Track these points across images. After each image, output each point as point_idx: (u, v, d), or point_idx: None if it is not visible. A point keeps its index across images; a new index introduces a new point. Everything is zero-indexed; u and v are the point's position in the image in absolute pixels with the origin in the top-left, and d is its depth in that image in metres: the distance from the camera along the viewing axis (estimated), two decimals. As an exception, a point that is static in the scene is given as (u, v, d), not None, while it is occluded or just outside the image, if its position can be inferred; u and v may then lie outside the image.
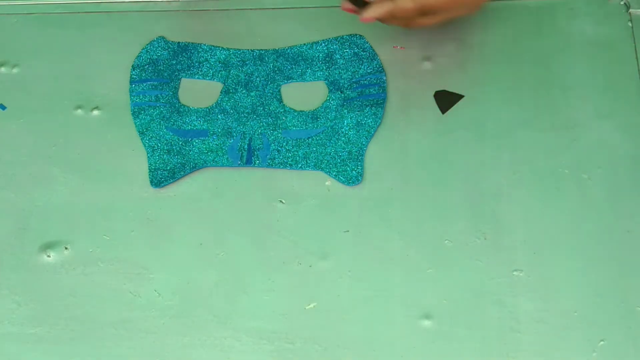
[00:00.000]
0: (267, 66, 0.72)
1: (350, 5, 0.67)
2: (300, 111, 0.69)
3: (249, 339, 0.60)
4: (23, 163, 0.69)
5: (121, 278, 0.63)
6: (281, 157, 0.67)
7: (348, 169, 0.66)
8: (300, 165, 0.67)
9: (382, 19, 0.66)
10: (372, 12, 0.66)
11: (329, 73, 0.71)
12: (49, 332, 0.61)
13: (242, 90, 0.70)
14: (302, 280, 0.62)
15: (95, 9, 0.76)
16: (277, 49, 0.73)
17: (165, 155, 0.68)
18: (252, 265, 0.63)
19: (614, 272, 0.61)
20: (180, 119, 0.69)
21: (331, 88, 0.70)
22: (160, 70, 0.72)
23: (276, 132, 0.68)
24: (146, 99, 0.71)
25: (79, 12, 0.76)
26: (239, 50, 0.73)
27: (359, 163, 0.67)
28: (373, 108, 0.69)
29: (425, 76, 0.70)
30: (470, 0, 0.67)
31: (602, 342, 0.59)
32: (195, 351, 0.60)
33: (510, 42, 0.71)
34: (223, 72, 0.72)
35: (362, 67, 0.71)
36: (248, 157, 0.67)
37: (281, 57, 0.72)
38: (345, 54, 0.72)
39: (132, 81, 0.72)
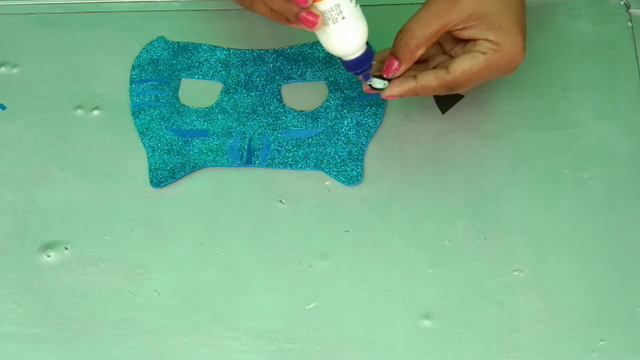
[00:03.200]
0: (267, 66, 0.72)
1: (370, 89, 0.63)
2: (300, 111, 0.69)
3: (249, 339, 0.60)
4: (23, 163, 0.69)
5: (121, 278, 0.63)
6: (281, 157, 0.67)
7: (348, 169, 0.66)
8: (300, 165, 0.67)
9: (404, 96, 0.63)
10: (392, 91, 0.62)
11: (329, 73, 0.71)
12: (49, 332, 0.61)
13: (242, 90, 0.70)
14: (302, 280, 0.62)
15: (95, 9, 0.76)
16: (277, 49, 0.73)
17: (165, 155, 0.68)
18: (252, 265, 0.63)
19: (614, 272, 0.61)
20: (180, 119, 0.69)
21: (331, 88, 0.70)
22: (160, 70, 0.72)
23: (276, 132, 0.68)
24: (146, 99, 0.71)
25: (79, 12, 0.76)
26: (239, 50, 0.73)
27: (359, 163, 0.67)
28: (373, 108, 0.69)
29: (425, 76, 0.70)
30: (503, 65, 0.62)
31: (602, 342, 0.59)
32: (195, 351, 0.60)
33: (510, 42, 0.71)
34: (223, 72, 0.72)
35: (362, 67, 0.71)
36: (248, 157, 0.67)
37: (281, 57, 0.72)
38: (345, 54, 0.72)
39: (132, 81, 0.72)
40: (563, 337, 0.59)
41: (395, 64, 0.61)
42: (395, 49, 0.61)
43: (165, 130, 0.69)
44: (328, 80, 0.70)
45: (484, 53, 0.60)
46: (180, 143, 0.68)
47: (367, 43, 0.60)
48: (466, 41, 0.62)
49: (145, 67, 0.72)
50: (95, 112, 0.71)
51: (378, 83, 0.62)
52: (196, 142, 0.68)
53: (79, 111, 0.71)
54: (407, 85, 0.61)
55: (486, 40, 0.60)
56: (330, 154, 0.67)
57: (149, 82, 0.72)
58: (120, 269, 0.64)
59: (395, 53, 0.61)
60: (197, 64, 0.72)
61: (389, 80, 0.62)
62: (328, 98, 0.70)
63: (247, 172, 0.67)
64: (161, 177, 0.67)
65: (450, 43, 0.64)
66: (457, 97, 0.69)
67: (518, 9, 0.62)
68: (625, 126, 0.67)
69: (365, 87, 0.63)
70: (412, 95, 0.62)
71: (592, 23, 0.72)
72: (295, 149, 0.67)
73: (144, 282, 0.63)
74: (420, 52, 0.61)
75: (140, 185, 0.67)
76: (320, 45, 0.72)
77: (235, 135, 0.68)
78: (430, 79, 0.61)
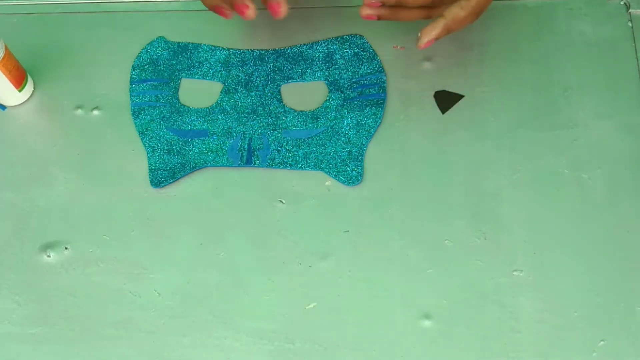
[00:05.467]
0: (267, 66, 0.72)
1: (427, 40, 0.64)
2: (300, 111, 0.69)
3: (249, 339, 0.60)
4: (23, 163, 0.69)
5: (121, 278, 0.63)
6: (281, 157, 0.67)
7: (348, 169, 0.66)
8: (300, 165, 0.67)
9: (439, 37, 0.64)
10: (427, 36, 0.64)
11: (329, 73, 0.71)
12: (49, 332, 0.61)
13: (242, 90, 0.70)
14: (302, 280, 0.62)
15: (95, 9, 0.76)
16: (277, 49, 0.73)
17: (165, 155, 0.68)
18: (252, 265, 0.63)
19: (614, 272, 0.61)
20: (180, 119, 0.69)
21: (331, 88, 0.70)
22: (160, 70, 0.72)
23: (276, 132, 0.68)
24: (146, 99, 0.71)
25: (79, 12, 0.76)
26: (239, 50, 0.73)
27: (359, 163, 0.67)
28: (373, 108, 0.69)
29: (425, 76, 0.70)
30: None
31: (602, 342, 0.59)
32: (195, 351, 0.60)
33: (510, 42, 0.71)
34: (223, 72, 0.72)
35: (362, 67, 0.71)
36: (248, 157, 0.67)
37: (281, 57, 0.72)
38: (345, 54, 0.72)
39: (132, 81, 0.72)
40: (563, 337, 0.59)
41: None
42: None
43: (165, 130, 0.69)
44: (328, 80, 0.70)
45: None
46: (180, 143, 0.68)
47: None
48: None
49: (145, 67, 0.72)
50: (95, 112, 0.71)
51: None
52: (196, 142, 0.68)
53: (79, 111, 0.71)
54: (439, 25, 0.63)
55: None
56: (330, 154, 0.67)
57: (149, 82, 0.72)
58: (120, 269, 0.64)
59: None
60: (197, 64, 0.72)
61: None
62: (328, 98, 0.70)
63: (247, 172, 0.67)
64: (161, 177, 0.67)
65: None
66: (457, 97, 0.69)
67: None
68: (625, 126, 0.67)
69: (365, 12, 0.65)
70: (447, 33, 0.64)
71: (592, 23, 0.72)
72: (295, 149, 0.67)
73: (144, 282, 0.63)
74: None
75: (140, 185, 0.67)
76: (320, 45, 0.72)
77: (235, 135, 0.68)
78: (457, 11, 0.63)
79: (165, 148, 0.68)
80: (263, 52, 0.72)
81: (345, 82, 0.70)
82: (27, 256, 0.65)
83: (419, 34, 0.64)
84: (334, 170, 0.66)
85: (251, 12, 0.64)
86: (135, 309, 0.62)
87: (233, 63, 0.72)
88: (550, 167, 0.66)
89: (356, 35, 0.73)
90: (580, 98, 0.68)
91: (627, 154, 0.66)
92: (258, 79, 0.71)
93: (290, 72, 0.71)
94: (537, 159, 0.66)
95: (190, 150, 0.68)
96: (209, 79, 0.71)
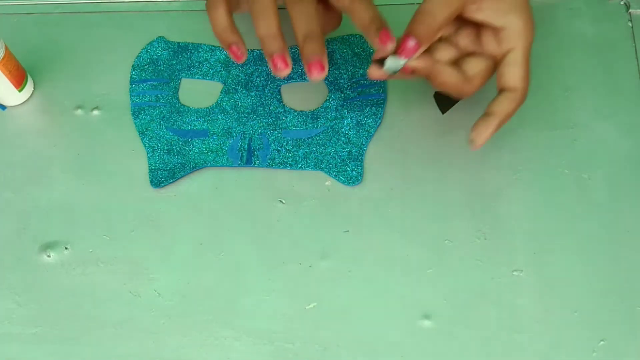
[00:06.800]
0: (267, 66, 0.71)
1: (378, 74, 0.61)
2: (300, 111, 0.69)
3: (249, 339, 0.60)
4: (23, 163, 0.69)
5: (121, 278, 0.63)
6: (281, 157, 0.67)
7: (348, 169, 0.66)
8: (300, 165, 0.67)
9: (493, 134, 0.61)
10: (481, 137, 0.61)
11: (329, 73, 0.71)
12: (49, 332, 0.61)
13: (242, 90, 0.70)
14: (302, 280, 0.62)
15: (95, 9, 0.76)
16: (277, 49, 0.72)
17: (165, 155, 0.68)
18: (252, 265, 0.63)
19: (614, 272, 0.61)
20: (180, 119, 0.69)
21: (331, 88, 0.70)
22: (160, 70, 0.72)
23: (276, 132, 0.68)
24: (146, 99, 0.71)
25: (79, 12, 0.76)
26: (239, 50, 0.73)
27: (359, 163, 0.67)
28: (373, 108, 0.69)
29: (425, 76, 0.70)
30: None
31: (602, 342, 0.59)
32: (195, 351, 0.60)
33: (510, 42, 0.71)
34: (223, 72, 0.72)
35: (362, 67, 0.71)
36: (248, 157, 0.67)
37: (281, 57, 0.72)
38: (345, 53, 0.72)
39: (132, 81, 0.72)
40: (563, 337, 0.59)
41: (413, 44, 0.58)
42: (413, 29, 0.58)
43: (165, 130, 0.69)
44: (328, 80, 0.70)
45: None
46: (180, 143, 0.68)
47: None
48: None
49: (145, 67, 0.72)
50: (95, 112, 0.71)
51: (391, 63, 0.59)
52: (196, 142, 0.68)
53: (79, 111, 0.71)
54: (492, 123, 0.61)
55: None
56: (330, 154, 0.67)
57: (149, 82, 0.72)
58: (120, 269, 0.64)
59: (413, 33, 0.58)
60: (197, 64, 0.72)
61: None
62: (328, 98, 0.70)
63: (247, 172, 0.67)
64: (161, 177, 0.67)
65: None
66: (457, 97, 0.69)
67: None
68: (625, 126, 0.67)
69: (378, 74, 0.60)
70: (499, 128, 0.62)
71: (592, 23, 0.72)
72: (295, 149, 0.67)
73: (144, 282, 0.63)
74: (440, 34, 0.60)
75: (140, 185, 0.67)
76: (320, 45, 0.72)
77: (235, 135, 0.68)
78: (506, 106, 0.61)
79: (165, 148, 0.68)
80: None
81: (345, 82, 0.70)
82: (27, 256, 0.65)
83: (470, 136, 0.61)
84: (334, 170, 0.66)
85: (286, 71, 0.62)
86: (135, 309, 0.62)
87: (233, 63, 0.72)
88: (550, 167, 0.66)
89: (356, 35, 0.72)
90: (580, 98, 0.68)
91: (627, 154, 0.66)
92: (258, 79, 0.71)
93: (290, 72, 0.71)
94: (537, 159, 0.66)
95: (190, 150, 0.68)
96: (209, 79, 0.71)
